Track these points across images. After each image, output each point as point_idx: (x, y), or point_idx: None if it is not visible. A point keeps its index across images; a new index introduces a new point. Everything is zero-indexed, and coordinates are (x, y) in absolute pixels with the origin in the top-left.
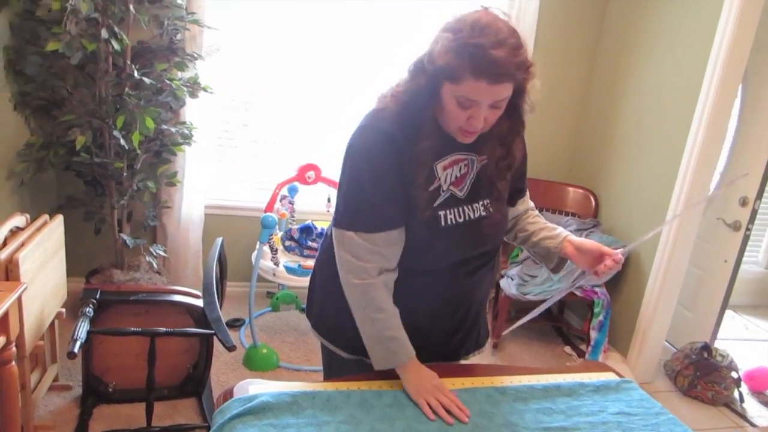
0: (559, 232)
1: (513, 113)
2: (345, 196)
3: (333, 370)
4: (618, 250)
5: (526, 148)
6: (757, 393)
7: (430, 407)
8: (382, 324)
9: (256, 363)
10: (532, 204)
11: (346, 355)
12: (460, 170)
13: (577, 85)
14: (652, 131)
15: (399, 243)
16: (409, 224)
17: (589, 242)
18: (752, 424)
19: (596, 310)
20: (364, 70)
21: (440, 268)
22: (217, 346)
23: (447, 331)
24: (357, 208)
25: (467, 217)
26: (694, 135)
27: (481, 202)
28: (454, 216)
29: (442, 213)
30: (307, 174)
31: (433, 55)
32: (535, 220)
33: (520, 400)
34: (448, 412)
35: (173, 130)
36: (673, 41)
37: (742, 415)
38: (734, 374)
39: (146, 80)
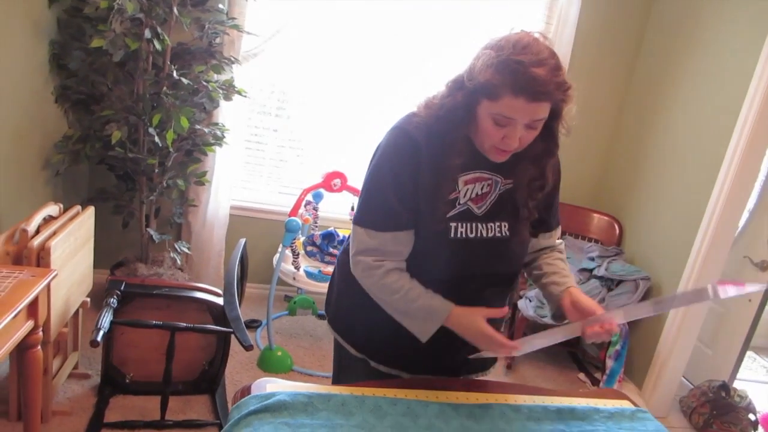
0: (566, 281)
1: (548, 136)
2: (363, 193)
3: (342, 368)
4: (616, 313)
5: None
6: None
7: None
8: (403, 301)
9: (270, 365)
10: (560, 244)
11: (353, 352)
12: (482, 188)
13: (609, 111)
14: (683, 163)
15: (407, 245)
16: (419, 229)
17: (588, 302)
18: None
19: (614, 339)
20: (395, 81)
21: (445, 279)
22: (233, 345)
23: (448, 345)
24: (370, 205)
25: (479, 234)
26: (726, 169)
27: (498, 223)
28: (466, 230)
29: (453, 225)
30: (333, 181)
31: (474, 72)
32: (554, 263)
33: (533, 419)
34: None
35: (206, 130)
36: (710, 74)
37: None
38: (752, 416)
39: (184, 80)
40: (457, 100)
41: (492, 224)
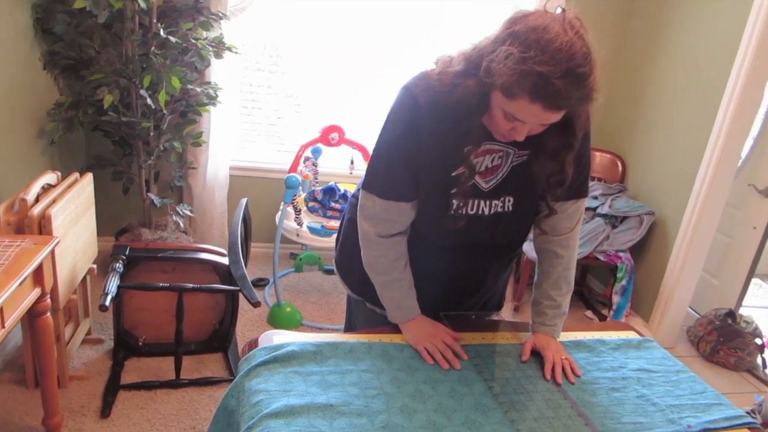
0: (543, 319)
1: (567, 129)
2: (372, 156)
3: (350, 312)
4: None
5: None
6: None
7: (428, 354)
8: (386, 285)
9: (280, 321)
10: (574, 240)
11: (350, 293)
12: (492, 161)
13: (608, 49)
14: (684, 95)
15: (410, 215)
16: (421, 196)
17: (546, 351)
18: None
19: (619, 275)
20: (391, 32)
21: (444, 246)
22: (242, 303)
23: (449, 298)
24: (377, 171)
25: (481, 212)
26: (728, 97)
27: (502, 198)
28: (467, 208)
29: (455, 201)
30: (331, 135)
31: (492, 70)
32: (557, 262)
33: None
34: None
35: (198, 90)
36: (710, 3)
37: (765, 381)
38: (758, 341)
39: (172, 39)
40: (470, 88)
41: (496, 201)
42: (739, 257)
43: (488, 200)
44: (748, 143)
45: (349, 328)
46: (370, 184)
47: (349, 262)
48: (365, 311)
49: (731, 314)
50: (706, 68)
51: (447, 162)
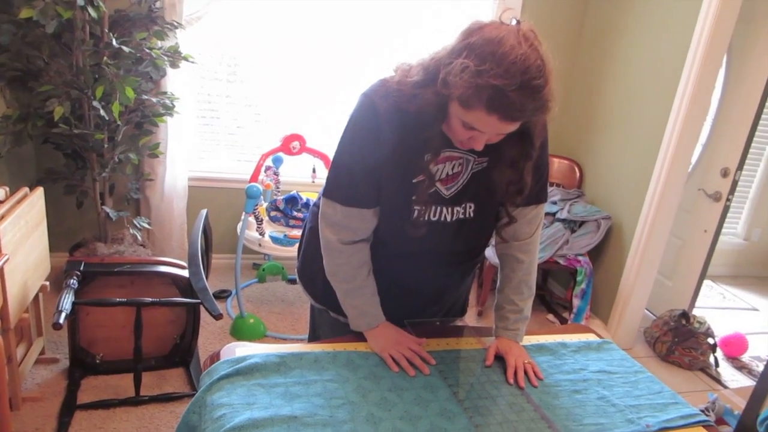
0: (506, 323)
1: (524, 139)
2: (332, 163)
3: (314, 323)
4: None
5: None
6: (731, 358)
7: (394, 361)
8: (350, 292)
9: (243, 333)
10: (534, 245)
11: (314, 302)
12: (453, 168)
13: (562, 59)
14: (637, 103)
15: (372, 221)
16: (383, 202)
17: (509, 355)
18: (725, 387)
19: (579, 278)
20: (350, 39)
21: (404, 253)
22: (205, 316)
23: (412, 305)
24: (338, 178)
25: (443, 218)
26: (678, 106)
27: (464, 205)
28: (429, 214)
29: (416, 208)
30: (292, 144)
31: (449, 83)
32: (518, 267)
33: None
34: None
35: (154, 100)
36: (659, 13)
37: (717, 379)
38: (710, 340)
39: (125, 49)
40: (428, 99)
41: (458, 208)
42: (692, 259)
43: (450, 207)
44: (698, 150)
45: (314, 337)
46: (331, 191)
47: (311, 271)
48: (329, 320)
49: (685, 315)
50: (657, 77)
51: (407, 169)
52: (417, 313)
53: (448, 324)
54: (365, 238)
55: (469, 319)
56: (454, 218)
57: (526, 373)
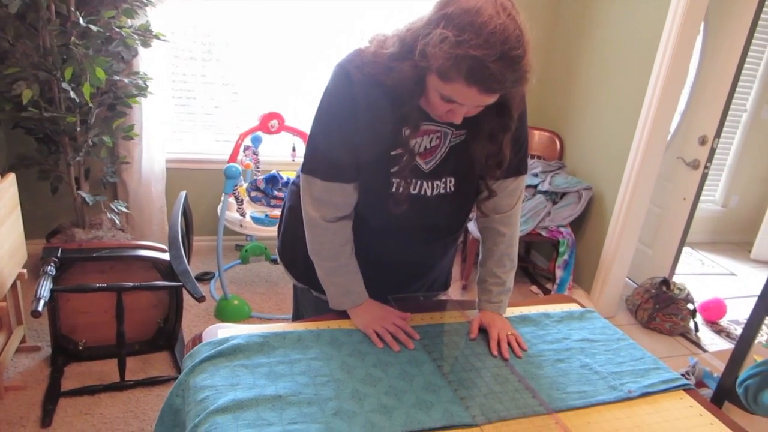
0: (489, 296)
1: (503, 111)
2: (309, 137)
3: (297, 303)
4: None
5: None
6: (710, 323)
7: (379, 337)
8: (334, 270)
9: (228, 314)
10: (515, 219)
11: (296, 282)
12: (431, 141)
13: (540, 29)
14: (616, 73)
15: (353, 196)
16: (362, 176)
17: (492, 327)
18: (705, 350)
19: (561, 249)
20: (329, 15)
21: (385, 228)
22: (188, 299)
23: (395, 281)
24: (316, 153)
25: (423, 192)
26: (656, 74)
27: (444, 179)
28: (409, 188)
29: (395, 181)
30: (270, 123)
31: (427, 54)
32: (500, 240)
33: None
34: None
35: (126, 81)
36: None
37: (697, 343)
38: (690, 306)
39: (93, 28)
40: (405, 72)
41: (438, 182)
42: (671, 227)
43: (430, 181)
44: (676, 118)
45: (297, 317)
46: (310, 166)
47: (291, 250)
48: (312, 299)
49: (665, 282)
50: (635, 47)
51: (384, 141)
52: (400, 289)
53: (432, 298)
54: (347, 215)
55: (454, 293)
56: (435, 193)
57: (509, 344)
